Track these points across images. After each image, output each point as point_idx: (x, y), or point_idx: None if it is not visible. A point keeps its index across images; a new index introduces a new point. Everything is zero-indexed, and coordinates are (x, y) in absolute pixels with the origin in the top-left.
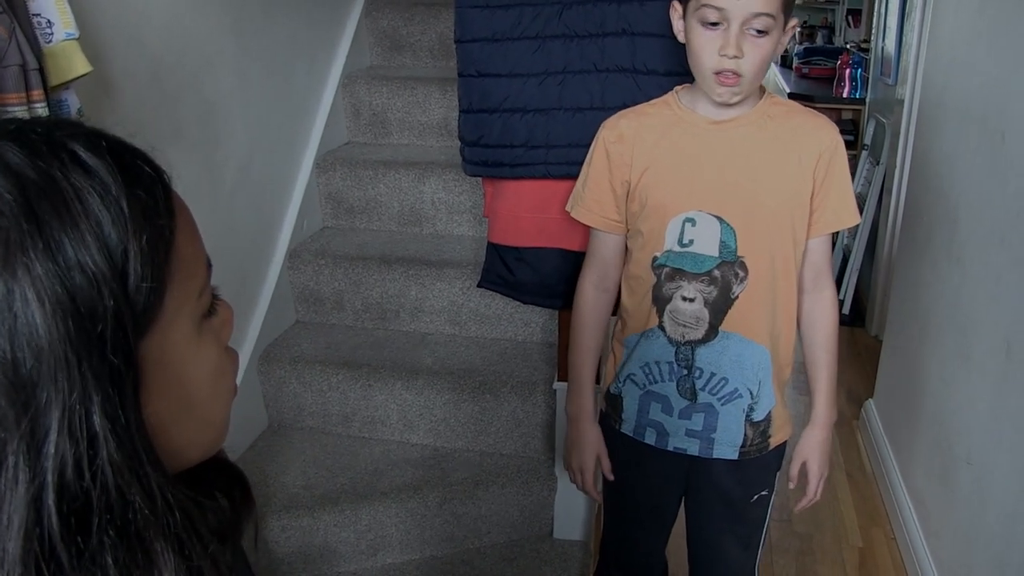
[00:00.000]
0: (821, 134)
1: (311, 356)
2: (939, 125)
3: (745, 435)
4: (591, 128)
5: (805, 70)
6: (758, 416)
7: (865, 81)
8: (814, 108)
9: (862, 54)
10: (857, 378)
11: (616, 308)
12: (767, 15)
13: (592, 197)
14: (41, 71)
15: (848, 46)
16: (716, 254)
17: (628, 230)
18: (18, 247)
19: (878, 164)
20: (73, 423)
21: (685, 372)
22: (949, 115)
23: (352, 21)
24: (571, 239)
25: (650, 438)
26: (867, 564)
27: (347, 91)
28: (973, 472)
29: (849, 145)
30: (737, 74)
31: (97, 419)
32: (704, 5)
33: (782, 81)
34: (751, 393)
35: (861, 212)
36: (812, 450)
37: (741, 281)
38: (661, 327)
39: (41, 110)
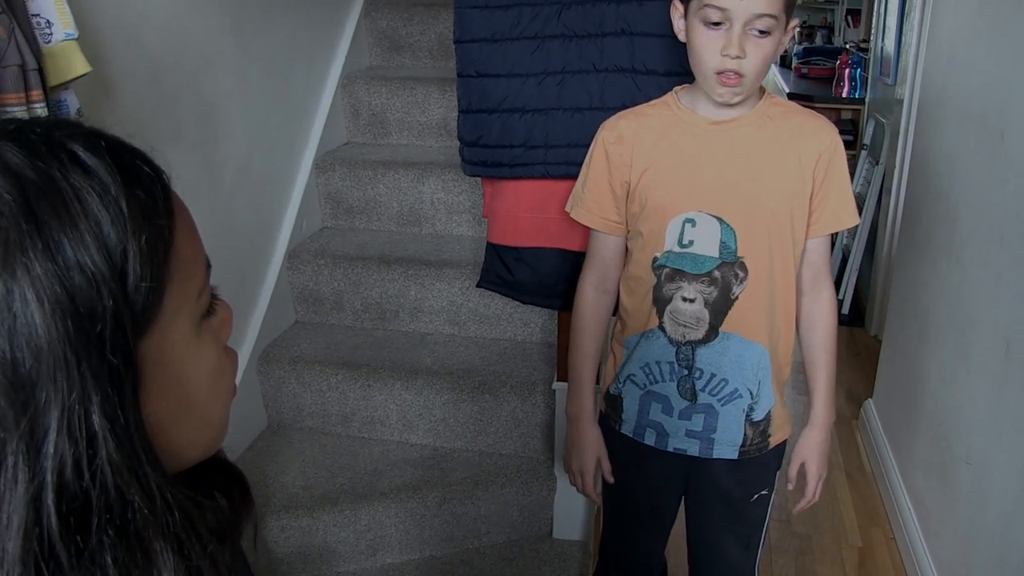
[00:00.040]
0: (821, 135)
1: (310, 356)
2: (938, 125)
3: (745, 435)
4: (590, 128)
5: (804, 70)
6: (758, 416)
7: (864, 81)
8: (813, 108)
9: (861, 54)
10: (856, 378)
11: (615, 309)
12: (770, 16)
13: (592, 198)
14: (40, 71)
15: (847, 46)
16: (716, 255)
17: (628, 232)
18: (17, 247)
19: (877, 164)
20: (72, 423)
21: (686, 372)
22: (948, 115)
23: (351, 21)
24: (570, 239)
25: (650, 439)
26: (866, 564)
27: (346, 91)
28: (972, 472)
29: (848, 145)
30: (739, 74)
31: (96, 419)
32: (707, 5)
33: (781, 81)
34: (751, 393)
35: (860, 212)
36: (811, 451)
37: (741, 282)
38: (661, 327)
39: (40, 110)
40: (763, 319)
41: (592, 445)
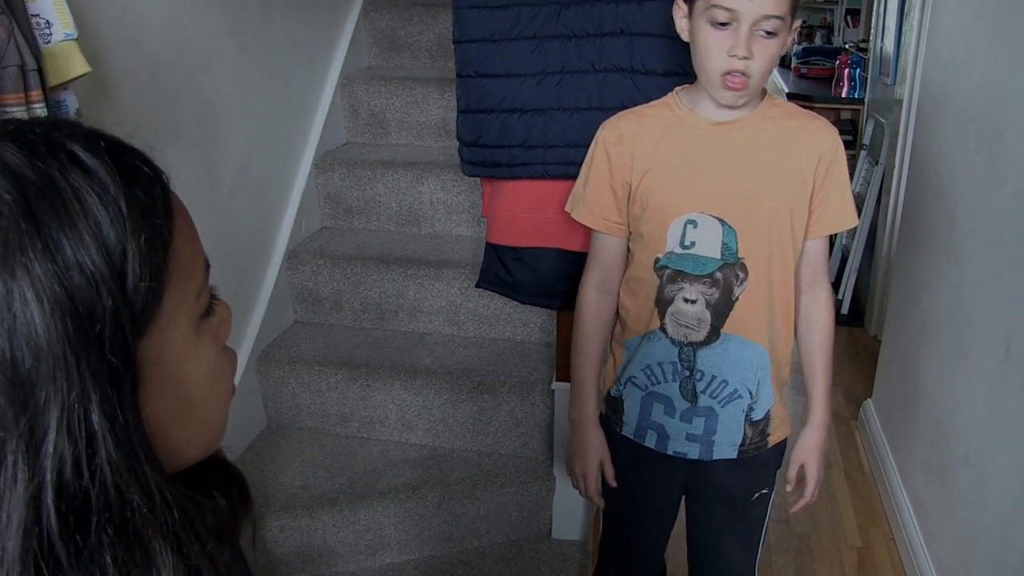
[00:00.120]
0: (822, 136)
1: (310, 356)
2: (938, 125)
3: (744, 434)
4: (589, 128)
5: (804, 70)
6: (757, 415)
7: (864, 81)
8: (813, 108)
9: (861, 54)
10: (856, 378)
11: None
12: (777, 17)
13: (593, 199)
14: (40, 71)
15: (847, 46)
16: (718, 256)
17: (630, 233)
18: (17, 247)
19: (877, 164)
20: (72, 422)
21: (687, 373)
22: (948, 115)
23: (351, 22)
24: (569, 239)
25: (650, 441)
26: (866, 564)
27: (345, 91)
28: (971, 472)
29: (848, 145)
30: (745, 75)
31: (96, 418)
32: (714, 5)
33: (781, 81)
34: (750, 393)
35: (860, 212)
36: (810, 453)
37: (741, 282)
38: (663, 329)
39: (40, 110)
40: (763, 319)
41: (595, 449)
